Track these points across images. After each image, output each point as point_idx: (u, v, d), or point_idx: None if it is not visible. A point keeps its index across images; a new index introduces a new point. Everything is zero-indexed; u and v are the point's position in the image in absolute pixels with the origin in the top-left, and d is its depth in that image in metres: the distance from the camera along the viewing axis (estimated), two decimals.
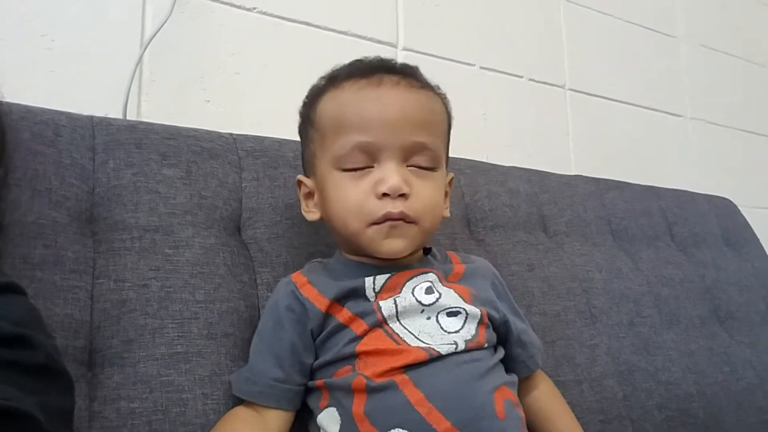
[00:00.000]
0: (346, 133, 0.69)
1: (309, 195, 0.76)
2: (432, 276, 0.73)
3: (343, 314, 0.69)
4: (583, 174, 1.26)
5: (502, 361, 0.74)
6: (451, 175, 0.80)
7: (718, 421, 1.06)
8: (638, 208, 1.24)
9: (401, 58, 1.24)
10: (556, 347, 0.96)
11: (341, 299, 0.70)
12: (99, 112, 0.82)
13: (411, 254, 0.75)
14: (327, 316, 0.69)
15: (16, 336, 0.43)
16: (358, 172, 0.69)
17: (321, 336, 0.69)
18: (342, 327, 0.68)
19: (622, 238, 1.19)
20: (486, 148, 1.30)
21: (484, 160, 1.13)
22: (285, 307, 0.70)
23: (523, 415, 0.69)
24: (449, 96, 1.27)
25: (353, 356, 0.67)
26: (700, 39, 1.80)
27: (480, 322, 0.71)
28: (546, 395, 0.80)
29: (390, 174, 0.68)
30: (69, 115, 0.77)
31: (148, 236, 0.74)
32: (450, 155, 1.05)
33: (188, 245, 0.76)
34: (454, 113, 1.26)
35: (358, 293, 0.70)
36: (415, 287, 0.71)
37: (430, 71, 1.25)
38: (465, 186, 1.03)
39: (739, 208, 1.44)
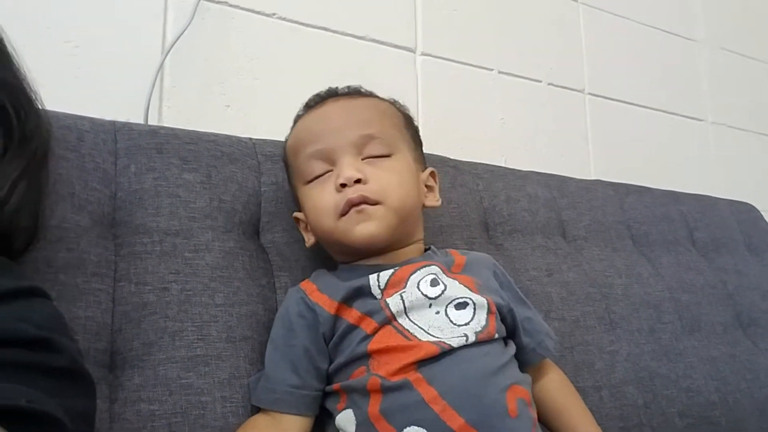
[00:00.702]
0: (303, 151, 0.76)
1: (306, 227, 0.80)
2: (435, 268, 0.74)
3: (352, 315, 0.70)
4: (603, 179, 1.25)
5: (516, 353, 0.74)
6: (431, 169, 0.84)
7: (740, 429, 1.05)
8: (658, 213, 1.23)
9: (419, 62, 1.24)
10: (576, 353, 0.95)
11: (348, 300, 0.71)
12: (121, 117, 0.83)
13: (404, 246, 0.76)
14: (336, 318, 0.70)
15: (41, 339, 0.44)
16: (321, 179, 0.75)
17: (333, 339, 0.70)
18: (352, 327, 0.69)
19: (642, 243, 1.18)
20: (504, 153, 1.30)
21: (503, 165, 1.13)
22: (296, 314, 0.71)
23: (535, 414, 0.69)
24: (468, 100, 1.28)
25: (366, 356, 0.67)
26: (720, 42, 1.78)
27: (489, 312, 0.72)
28: (556, 385, 0.80)
29: (343, 167, 0.72)
30: (92, 120, 0.78)
31: (169, 240, 0.75)
32: (469, 159, 1.06)
33: (208, 249, 0.76)
34: (473, 117, 1.27)
35: (364, 292, 0.71)
36: (420, 281, 0.72)
37: (448, 76, 1.26)
38: (483, 190, 1.03)
39: (762, 213, 1.42)
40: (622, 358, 0.99)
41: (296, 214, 0.81)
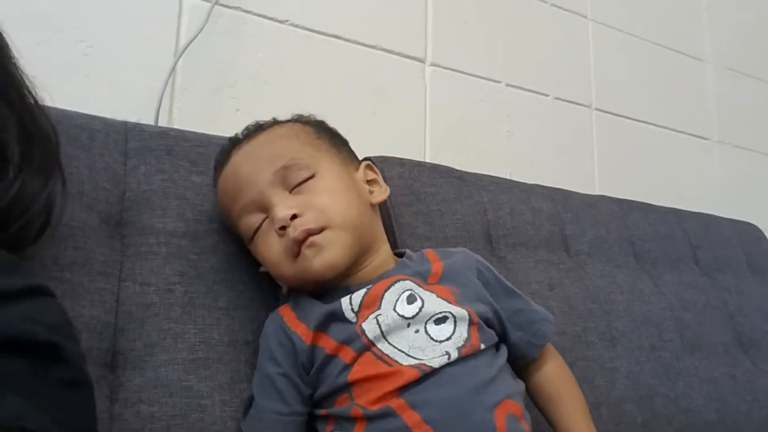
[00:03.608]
0: (231, 214, 0.74)
1: None
2: (409, 283, 0.72)
3: (329, 344, 0.68)
4: (607, 194, 1.25)
5: (510, 353, 0.73)
6: (365, 162, 0.81)
7: None
8: (662, 231, 1.23)
9: (428, 73, 1.24)
10: (576, 369, 0.94)
11: (323, 326, 0.69)
12: (132, 118, 0.84)
13: (371, 256, 0.74)
14: (314, 347, 0.69)
15: (49, 344, 0.43)
16: (261, 231, 0.72)
17: (313, 369, 0.68)
18: (331, 357, 0.68)
19: (644, 260, 1.18)
20: (510, 165, 1.30)
21: (508, 177, 1.13)
22: (276, 342, 0.70)
23: (527, 427, 0.68)
24: (476, 112, 1.28)
25: (347, 385, 0.66)
26: (727, 62, 1.79)
27: (470, 323, 0.70)
28: (552, 374, 0.78)
29: (274, 209, 0.69)
30: (103, 120, 0.78)
31: (175, 241, 0.75)
32: (474, 171, 1.06)
33: (213, 252, 0.77)
34: (479, 129, 1.28)
35: (338, 316, 0.69)
36: (396, 300, 0.70)
37: (456, 87, 1.27)
38: (488, 203, 1.03)
39: (765, 233, 1.42)
40: (622, 375, 0.99)
41: (262, 269, 0.77)
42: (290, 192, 0.71)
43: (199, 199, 0.79)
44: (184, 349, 0.70)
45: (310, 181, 0.72)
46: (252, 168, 0.73)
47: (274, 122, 0.79)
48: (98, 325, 0.67)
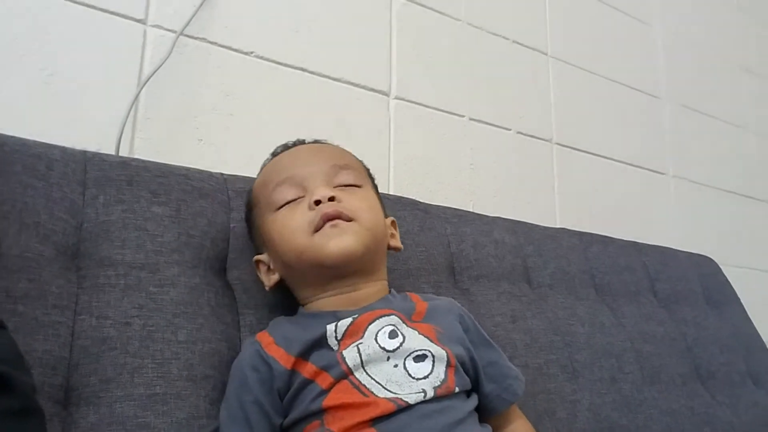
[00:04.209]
0: (273, 182, 0.78)
1: (268, 270, 0.79)
2: (394, 318, 0.73)
3: (308, 369, 0.68)
4: (567, 227, 1.27)
5: (480, 403, 0.73)
6: (392, 218, 0.85)
7: None
8: (621, 263, 1.25)
9: (393, 106, 1.26)
10: (538, 401, 0.95)
11: (305, 353, 0.69)
12: (93, 147, 0.82)
13: (368, 281, 0.75)
14: (293, 373, 0.68)
15: None
16: (292, 204, 0.75)
17: (288, 394, 0.68)
18: (307, 382, 0.67)
19: (604, 292, 1.20)
20: (472, 198, 1.32)
21: (471, 210, 1.14)
22: (250, 367, 0.69)
23: None
24: (439, 145, 1.30)
25: (320, 411, 0.66)
26: (682, 99, 1.85)
27: (448, 365, 0.70)
28: None
29: (318, 189, 0.74)
30: (62, 150, 0.77)
31: (134, 273, 0.74)
32: (437, 203, 1.07)
33: (173, 284, 0.75)
34: (443, 162, 1.30)
35: (322, 343, 0.70)
36: (378, 332, 0.70)
37: (420, 120, 1.29)
38: (451, 235, 1.04)
39: (720, 266, 1.46)
40: (584, 408, 1.00)
41: (257, 257, 0.79)
42: (334, 188, 0.76)
43: (160, 230, 0.77)
44: (141, 384, 0.68)
45: (356, 188, 0.78)
46: (313, 157, 0.79)
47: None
48: (51, 360, 0.65)
